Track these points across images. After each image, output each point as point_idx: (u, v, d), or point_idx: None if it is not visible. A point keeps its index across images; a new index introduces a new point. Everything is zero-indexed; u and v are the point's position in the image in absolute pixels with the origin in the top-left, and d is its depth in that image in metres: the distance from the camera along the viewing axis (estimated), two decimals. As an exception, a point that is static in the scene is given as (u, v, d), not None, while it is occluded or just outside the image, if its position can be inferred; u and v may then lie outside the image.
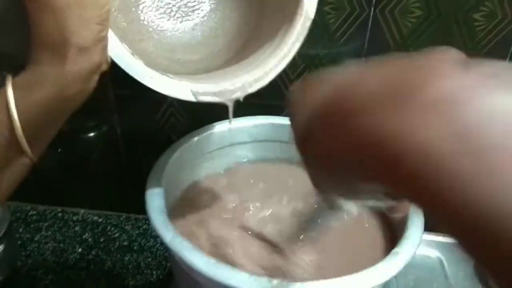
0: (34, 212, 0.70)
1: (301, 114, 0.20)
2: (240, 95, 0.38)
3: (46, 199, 0.71)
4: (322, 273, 0.37)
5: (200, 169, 0.48)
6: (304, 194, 0.43)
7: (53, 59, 0.25)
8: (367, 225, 0.43)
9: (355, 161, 0.17)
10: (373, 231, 0.43)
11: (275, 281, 0.30)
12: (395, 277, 0.52)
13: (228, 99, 0.37)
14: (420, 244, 0.36)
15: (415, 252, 0.35)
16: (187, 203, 0.44)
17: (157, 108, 0.63)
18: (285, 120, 0.50)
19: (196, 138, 0.46)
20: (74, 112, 0.64)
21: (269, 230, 0.41)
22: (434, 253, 0.56)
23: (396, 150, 0.15)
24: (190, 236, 0.39)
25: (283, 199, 0.45)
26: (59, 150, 0.68)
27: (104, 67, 0.29)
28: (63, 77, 0.26)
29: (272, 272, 0.36)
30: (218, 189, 0.45)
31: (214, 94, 0.37)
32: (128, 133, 0.66)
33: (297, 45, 0.39)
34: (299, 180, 0.47)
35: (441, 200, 0.14)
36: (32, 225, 0.67)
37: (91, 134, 0.67)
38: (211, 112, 0.61)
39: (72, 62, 0.25)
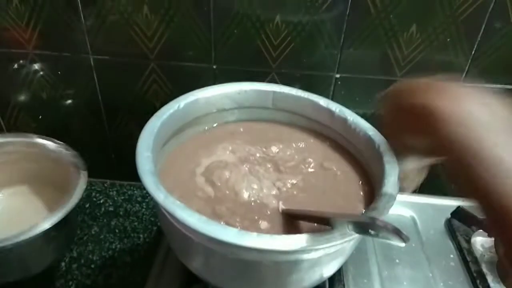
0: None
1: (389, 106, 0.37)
2: None
3: (28, 166, 0.70)
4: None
5: (186, 133, 0.49)
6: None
7: None
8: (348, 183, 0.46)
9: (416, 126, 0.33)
10: (354, 186, 0.45)
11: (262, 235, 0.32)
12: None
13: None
14: (395, 199, 0.38)
15: (391, 207, 0.38)
16: (174, 164, 0.45)
17: (139, 75, 0.63)
18: (268, 87, 0.51)
19: (182, 104, 0.47)
20: (53, 80, 0.63)
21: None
22: (407, 213, 0.60)
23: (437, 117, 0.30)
24: (181, 194, 0.40)
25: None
26: (40, 117, 0.68)
27: None
28: None
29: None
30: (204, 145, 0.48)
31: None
32: (110, 100, 0.66)
33: None
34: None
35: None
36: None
37: (70, 101, 0.66)
38: (195, 79, 0.62)
39: None
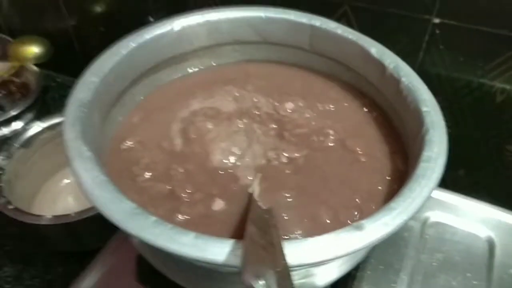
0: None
1: None
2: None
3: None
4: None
5: (189, 64, 0.39)
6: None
7: None
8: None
9: None
10: (376, 182, 0.30)
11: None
12: (417, 250, 0.40)
13: None
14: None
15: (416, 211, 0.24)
16: (162, 100, 0.37)
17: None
18: (306, 18, 0.37)
19: (177, 27, 0.36)
20: None
21: None
22: (485, 232, 0.42)
23: None
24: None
25: None
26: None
27: None
28: None
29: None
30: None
31: None
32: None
33: None
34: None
35: None
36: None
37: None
38: None
39: None
